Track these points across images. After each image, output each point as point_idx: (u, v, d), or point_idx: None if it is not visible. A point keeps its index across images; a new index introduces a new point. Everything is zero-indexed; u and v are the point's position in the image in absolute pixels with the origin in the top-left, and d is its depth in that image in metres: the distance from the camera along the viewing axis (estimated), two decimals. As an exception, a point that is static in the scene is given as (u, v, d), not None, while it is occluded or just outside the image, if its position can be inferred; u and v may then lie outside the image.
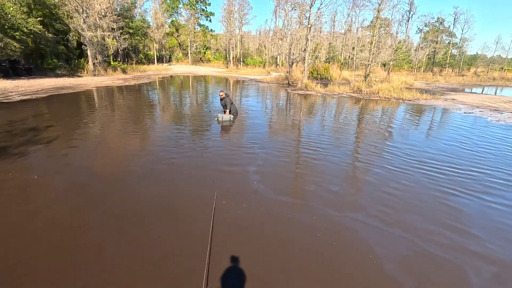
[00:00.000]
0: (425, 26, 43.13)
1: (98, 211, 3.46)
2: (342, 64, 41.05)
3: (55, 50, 22.37)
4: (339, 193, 4.20)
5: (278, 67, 41.36)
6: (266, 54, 46.93)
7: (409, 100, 15.14)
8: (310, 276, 2.56)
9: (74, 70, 22.69)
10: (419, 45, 43.02)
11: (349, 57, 44.25)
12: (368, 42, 25.73)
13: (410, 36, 45.44)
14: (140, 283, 2.40)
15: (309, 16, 19.32)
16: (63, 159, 5.13)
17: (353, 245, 3.02)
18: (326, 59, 43.83)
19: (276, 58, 45.25)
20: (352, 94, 16.77)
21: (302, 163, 5.41)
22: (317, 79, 24.30)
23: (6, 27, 16.05)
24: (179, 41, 51.68)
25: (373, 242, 3.06)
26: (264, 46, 48.66)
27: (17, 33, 17.07)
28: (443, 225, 3.45)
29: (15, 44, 16.86)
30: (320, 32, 37.01)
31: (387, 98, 15.79)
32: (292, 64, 23.05)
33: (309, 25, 19.30)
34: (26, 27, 17.54)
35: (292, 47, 22.11)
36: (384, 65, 35.06)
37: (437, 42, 41.53)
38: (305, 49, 20.17)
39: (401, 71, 39.39)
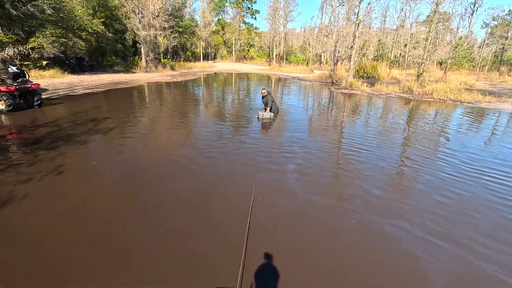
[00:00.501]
0: (493, 20, 38.45)
1: (140, 201, 3.72)
2: (391, 62, 38.53)
3: (114, 48, 24.48)
4: (382, 198, 3.96)
5: (322, 65, 40.27)
6: (310, 52, 45.94)
7: (469, 103, 13.66)
8: (343, 281, 2.47)
9: (129, 66, 24.61)
10: (484, 41, 38.49)
11: (400, 54, 41.32)
12: (423, 38, 23.75)
13: (473, 31, 40.96)
14: (174, 277, 2.52)
15: (358, 12, 18.45)
16: (117, 148, 5.61)
17: (394, 254, 2.83)
18: (374, 56, 41.49)
19: (320, 56, 44.07)
20: (401, 95, 15.67)
21: (343, 164, 5.22)
22: (364, 78, 23.14)
23: (75, 27, 17.96)
24: (224, 39, 53.08)
25: (418, 254, 2.84)
26: (308, 43, 47.67)
27: (83, 33, 19.02)
28: (504, 242, 3.06)
29: (81, 43, 18.83)
30: (369, 28, 35.15)
31: (442, 99, 14.43)
32: (337, 62, 22.25)
33: (358, 21, 18.43)
34: (91, 28, 19.44)
35: (338, 45, 21.32)
36: (441, 63, 32.17)
37: (506, 38, 36.73)
38: (351, 47, 19.32)
39: (460, 70, 35.68)
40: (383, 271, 2.62)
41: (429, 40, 17.20)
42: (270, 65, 42.56)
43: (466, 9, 32.51)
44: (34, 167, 4.47)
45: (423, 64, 17.23)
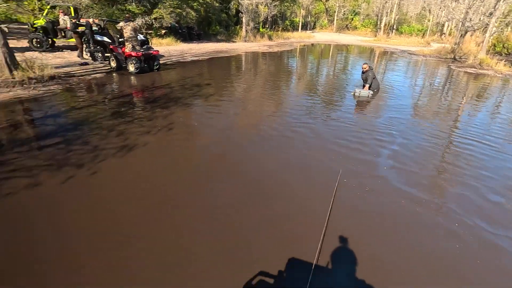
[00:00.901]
0: None
1: (228, 164, 4.02)
2: (550, 34, 28.94)
3: (219, 18, 26.02)
4: (502, 205, 3.20)
5: (443, 37, 33.58)
6: (429, 21, 38.68)
7: None
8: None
9: (230, 36, 25.95)
10: None
11: None
12: None
13: None
14: (256, 237, 2.67)
15: (510, -34, 14.14)
16: (214, 113, 6.15)
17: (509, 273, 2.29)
18: (523, 26, 31.90)
19: (443, 25, 36.63)
20: (558, 79, 11.79)
21: (452, 157, 4.39)
22: (501, 55, 18.27)
23: (189, -2, 19.77)
24: (327, 7, 49.52)
25: None
26: (429, 10, 40.03)
27: (195, 4, 20.74)
28: None
29: (192, 13, 20.63)
30: (523, -13, 26.79)
31: None
32: (466, 33, 18.07)
33: (507, -21, 14.21)
34: (202, -2, 21.03)
35: (471, 11, 17.12)
36: None
37: None
38: (491, 13, 15.23)
39: None
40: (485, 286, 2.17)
41: None
42: (375, 36, 37.98)
43: None
44: (152, 122, 5.34)
45: None
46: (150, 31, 18.55)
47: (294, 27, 42.85)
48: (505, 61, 14.64)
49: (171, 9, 18.09)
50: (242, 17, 25.95)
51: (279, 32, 34.55)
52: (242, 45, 22.85)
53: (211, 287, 2.13)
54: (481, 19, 16.70)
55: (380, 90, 8.75)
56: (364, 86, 8.26)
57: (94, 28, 10.61)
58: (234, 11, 28.03)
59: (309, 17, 46.34)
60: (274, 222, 2.84)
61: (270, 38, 29.18)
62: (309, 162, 4.09)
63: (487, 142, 4.99)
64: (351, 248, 2.52)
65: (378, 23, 39.68)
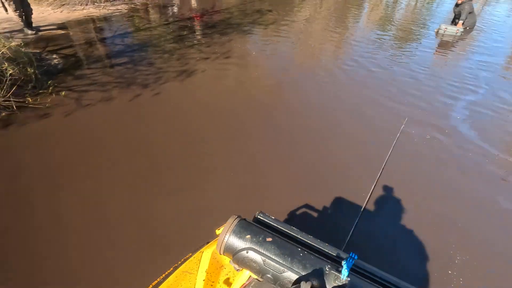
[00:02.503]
0: None
1: (284, 99, 3.89)
2: None
3: None
4: None
5: None
6: None
7: None
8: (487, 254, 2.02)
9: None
10: None
11: None
12: None
13: None
14: (307, 181, 2.68)
15: None
16: (272, 43, 5.78)
17: None
18: None
19: None
20: None
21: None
22: None
23: None
24: None
25: None
26: None
27: None
28: None
29: None
30: None
31: None
32: None
33: None
34: None
35: None
36: None
37: None
38: None
39: None
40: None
41: None
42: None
43: None
44: (210, 48, 5.27)
45: None
46: None
47: None
48: None
49: None
50: None
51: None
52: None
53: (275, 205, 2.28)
54: None
55: (476, 29, 7.17)
56: (456, 22, 6.82)
57: None
58: None
59: None
60: (329, 161, 2.79)
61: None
62: (372, 107, 3.76)
63: None
64: (401, 195, 2.42)
65: None
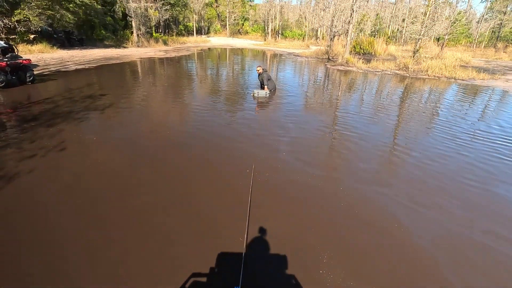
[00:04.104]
0: (494, -7, 37.56)
1: (139, 173, 3.88)
2: (389, 37, 37.87)
3: (103, 21, 23.50)
4: (369, 170, 4.20)
5: (318, 40, 39.45)
6: (306, 27, 44.73)
7: (463, 80, 13.79)
8: (334, 235, 2.71)
9: (120, 41, 23.81)
10: (483, 16, 37.87)
11: (397, 30, 40.59)
12: (422, 13, 23.25)
13: (472, 5, 40.07)
14: (185, 238, 2.74)
15: (356, -16, 17.84)
16: (114, 124, 5.67)
17: (380, 216, 3.09)
18: (372, 32, 40.72)
19: (317, 30, 43.01)
20: (397, 72, 15.67)
21: (335, 140, 5.40)
22: (360, 54, 22.88)
23: (62, -1, 17.13)
24: (218, 12, 51.08)
25: (400, 216, 3.09)
26: (305, 17, 46.28)
27: (71, 5, 18.16)
28: (482, 213, 3.34)
29: (69, 15, 18.01)
30: (367, 1, 34.17)
31: (437, 76, 14.52)
32: (334, 37, 21.83)
33: (356, -6, 17.89)
34: (78, -1, 18.54)
35: (335, 19, 20.82)
36: (438, 39, 31.77)
37: (505, 13, 36.16)
38: (349, 21, 18.91)
39: (457, 46, 35.38)
40: (366, 226, 2.87)
41: (427, 14, 16.91)
42: (265, 40, 41.50)
43: (467, -18, 31.50)
44: (35, 144, 4.55)
45: (420, 40, 17.07)
46: (13, 36, 15.31)
47: (189, 32, 42.61)
48: (362, 60, 18.49)
49: (39, 10, 15.32)
50: (131, 21, 24.18)
51: (174, 37, 33.76)
52: (135, 51, 21.34)
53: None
54: (343, 25, 20.53)
55: (277, 89, 9.77)
56: (262, 87, 9.06)
57: None
58: (121, 14, 25.82)
59: (202, 22, 46.84)
60: (197, 221, 2.94)
61: (165, 43, 28.19)
62: (221, 157, 4.32)
63: (356, 126, 6.33)
64: (268, 225, 2.88)
65: (266, 28, 43.47)
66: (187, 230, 2.80)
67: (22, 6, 14.70)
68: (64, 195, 3.28)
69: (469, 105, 8.84)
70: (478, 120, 7.18)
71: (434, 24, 17.53)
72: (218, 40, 39.96)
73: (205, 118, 6.27)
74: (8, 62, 7.95)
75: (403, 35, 33.58)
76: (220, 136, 5.28)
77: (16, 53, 8.92)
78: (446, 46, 25.16)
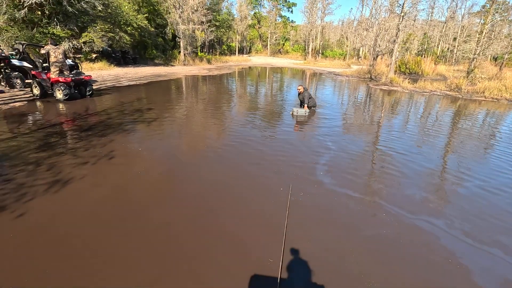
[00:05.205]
0: None
1: (178, 189, 3.97)
2: (438, 57, 35.85)
3: (155, 42, 25.66)
4: (415, 197, 3.81)
5: (359, 60, 38.69)
6: (347, 46, 44.32)
7: (527, 103, 12.35)
8: (369, 272, 2.45)
9: (168, 60, 25.69)
10: (551, 34, 34.19)
11: (447, 49, 38.29)
12: (476, 31, 21.72)
13: (538, 23, 36.50)
14: (217, 257, 2.68)
15: (403, 3, 17.36)
16: (158, 137, 5.97)
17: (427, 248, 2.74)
18: (419, 51, 38.91)
19: (359, 50, 42.32)
20: (447, 93, 14.59)
21: (377, 162, 5.06)
22: (405, 74, 21.84)
23: (121, 23, 19.13)
24: (260, 33, 52.99)
25: (455, 252, 2.71)
26: (346, 37, 46.01)
27: (129, 28, 20.18)
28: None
29: (126, 37, 20.02)
30: (414, 21, 32.94)
31: (496, 99, 13.21)
32: (377, 57, 21.24)
33: (402, 14, 17.37)
34: (136, 23, 20.55)
35: (379, 38, 20.31)
36: (496, 59, 29.31)
37: None
38: (394, 41, 18.30)
39: (519, 66, 32.19)
40: (413, 259, 2.55)
41: (483, 33, 15.72)
42: (305, 59, 41.78)
43: (530, -2, 28.98)
44: (89, 152, 4.94)
45: (474, 59, 15.83)
46: (80, 55, 17.29)
47: (231, 51, 44.59)
48: (408, 79, 17.59)
49: (102, 33, 17.23)
50: (179, 42, 26.06)
51: (217, 56, 35.56)
52: (181, 69, 22.79)
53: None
54: (387, 45, 19.92)
55: (317, 106, 9.62)
56: (302, 105, 8.98)
57: (11, 52, 9.49)
58: (171, 35, 28.01)
59: (244, 42, 48.82)
60: (230, 240, 2.88)
61: (209, 61, 29.77)
62: (256, 179, 4.26)
63: (400, 151, 5.90)
64: (307, 250, 2.71)
65: (306, 48, 43.87)
66: (220, 249, 2.75)
67: (88, 30, 16.66)
68: (108, 202, 3.46)
69: (537, 131, 7.82)
70: (550, 149, 6.28)
71: (492, 43, 16.20)
72: (258, 59, 41.19)
73: (243, 134, 6.34)
74: (73, 78, 8.94)
75: (454, 55, 31.55)
76: (256, 153, 5.27)
77: (80, 70, 10.03)
78: (506, 66, 23.03)
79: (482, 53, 16.20)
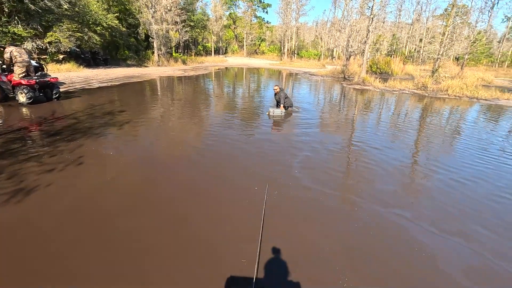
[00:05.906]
0: (515, 13, 36.96)
1: (153, 190, 3.86)
2: (406, 57, 37.69)
3: (127, 42, 24.83)
4: (387, 191, 3.98)
5: (333, 60, 39.79)
6: (322, 47, 45.37)
7: (486, 100, 13.30)
8: (347, 261, 2.53)
9: (141, 60, 24.94)
10: (505, 36, 37.16)
11: (414, 50, 40.36)
12: (440, 33, 23.11)
13: (493, 25, 39.55)
14: (192, 262, 2.64)
15: (372, 6, 18.06)
16: (131, 140, 5.77)
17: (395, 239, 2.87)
18: (388, 52, 40.69)
19: (332, 50, 43.52)
20: (415, 91, 15.38)
21: (351, 159, 5.23)
22: (376, 74, 22.74)
23: (90, 22, 18.29)
24: (236, 33, 52.92)
25: (422, 241, 2.86)
26: (320, 38, 47.10)
27: (98, 28, 19.34)
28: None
29: (96, 37, 19.13)
30: (383, 22, 34.41)
31: (458, 96, 14.10)
32: (350, 57, 21.94)
33: (372, 16, 18.06)
34: (105, 22, 19.74)
35: (351, 39, 20.99)
36: (458, 59, 31.30)
37: (528, 33, 35.32)
38: (365, 42, 18.99)
39: (478, 66, 34.64)
40: (384, 250, 2.66)
41: (446, 34, 16.73)
42: (281, 59, 42.28)
43: (486, 2, 31.33)
44: (55, 158, 4.67)
45: (438, 59, 16.80)
46: (45, 56, 16.33)
47: (207, 52, 44.16)
48: (379, 79, 18.35)
49: (70, 32, 16.36)
50: (152, 42, 25.38)
51: (193, 56, 35.05)
52: (155, 70, 22.21)
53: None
54: (359, 45, 20.64)
55: (294, 106, 9.74)
56: (279, 106, 9.05)
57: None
58: (144, 35, 27.21)
59: (220, 42, 48.51)
60: (205, 244, 2.84)
61: (184, 62, 29.27)
62: (232, 176, 4.25)
63: (373, 146, 6.14)
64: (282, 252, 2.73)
65: (282, 48, 44.40)
66: (194, 255, 2.70)
67: (54, 29, 15.76)
68: (77, 211, 3.29)
69: (494, 125, 8.45)
70: (504, 140, 6.80)
71: (453, 44, 17.28)
72: (235, 60, 41.10)
73: (220, 135, 6.29)
74: (37, 80, 8.41)
75: (421, 55, 33.31)
76: (234, 154, 5.25)
77: (45, 71, 9.46)
78: (466, 65, 24.65)
79: (445, 54, 17.24)
